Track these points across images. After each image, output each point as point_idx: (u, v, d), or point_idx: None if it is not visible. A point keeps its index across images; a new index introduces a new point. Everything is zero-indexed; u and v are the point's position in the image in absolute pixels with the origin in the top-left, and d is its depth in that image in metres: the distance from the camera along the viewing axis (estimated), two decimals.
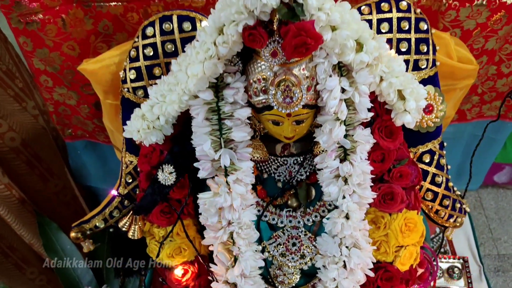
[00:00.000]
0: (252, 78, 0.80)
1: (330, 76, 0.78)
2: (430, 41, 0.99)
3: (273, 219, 0.96)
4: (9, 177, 1.61)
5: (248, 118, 0.85)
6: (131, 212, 0.97)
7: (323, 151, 0.87)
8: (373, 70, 0.79)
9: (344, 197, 0.85)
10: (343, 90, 0.80)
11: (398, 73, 0.81)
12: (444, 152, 1.07)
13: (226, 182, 0.85)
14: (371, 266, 0.89)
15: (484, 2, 1.18)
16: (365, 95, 0.80)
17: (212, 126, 0.84)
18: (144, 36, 0.96)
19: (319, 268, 0.92)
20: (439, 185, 1.05)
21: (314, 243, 0.94)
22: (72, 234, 1.16)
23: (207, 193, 0.88)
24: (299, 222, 0.95)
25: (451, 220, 1.11)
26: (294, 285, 0.97)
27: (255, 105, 0.83)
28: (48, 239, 1.61)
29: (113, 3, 1.17)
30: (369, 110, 0.83)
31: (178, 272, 0.97)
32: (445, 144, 1.07)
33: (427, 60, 0.98)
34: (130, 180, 1.08)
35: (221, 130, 0.84)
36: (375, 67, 0.79)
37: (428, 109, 1.00)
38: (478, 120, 1.59)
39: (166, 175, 0.91)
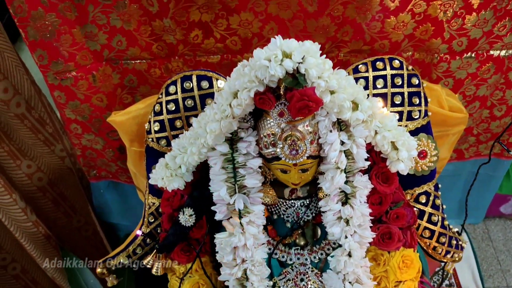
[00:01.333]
0: (263, 133, 0.92)
1: (331, 131, 0.89)
2: (422, 94, 1.11)
3: (283, 257, 1.06)
4: (36, 215, 1.73)
5: (259, 167, 0.96)
6: (155, 250, 1.08)
7: (326, 195, 0.97)
8: (368, 125, 0.91)
9: (346, 237, 0.95)
10: (342, 143, 0.91)
11: (390, 127, 0.92)
12: (439, 193, 1.17)
13: (240, 223, 0.96)
14: None
15: (473, 55, 1.30)
16: (362, 147, 0.92)
17: (228, 174, 0.95)
18: (167, 94, 1.09)
19: None
20: (435, 224, 1.15)
21: (320, 278, 1.04)
22: (98, 270, 1.26)
23: (223, 233, 0.99)
24: (306, 259, 1.05)
25: (448, 256, 1.19)
26: None
27: (265, 156, 0.94)
28: (72, 274, 1.72)
29: (138, 61, 1.31)
30: (366, 159, 0.94)
31: None
32: (439, 185, 1.17)
33: (420, 111, 1.09)
34: (152, 220, 1.19)
35: (235, 177, 0.95)
36: (369, 122, 0.90)
37: (422, 155, 1.10)
38: (476, 158, 1.68)
39: (187, 217, 1.02)
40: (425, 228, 1.14)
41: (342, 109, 0.86)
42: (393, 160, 0.96)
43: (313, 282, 1.05)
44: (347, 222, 0.95)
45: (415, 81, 1.10)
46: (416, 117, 1.09)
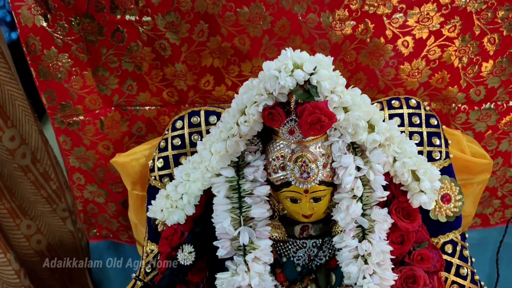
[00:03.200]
0: (271, 156, 0.85)
1: (345, 153, 0.82)
2: (442, 135, 1.05)
3: None
4: (30, 279, 1.62)
5: (267, 197, 0.89)
6: None
7: (341, 231, 0.88)
8: (386, 150, 0.84)
9: (364, 277, 0.84)
10: (358, 169, 0.84)
11: (410, 153, 0.85)
12: (467, 244, 1.06)
13: (245, 261, 0.86)
14: None
15: (492, 106, 1.25)
16: (379, 173, 0.84)
17: (232, 204, 0.87)
18: (174, 129, 1.05)
19: None
20: (464, 278, 1.02)
21: None
22: None
23: (225, 273, 0.88)
24: None
25: None
26: None
27: (274, 183, 0.87)
28: None
29: (148, 107, 1.29)
30: (385, 189, 0.86)
31: None
32: (467, 235, 1.06)
33: (440, 152, 1.03)
34: (149, 270, 1.09)
35: (241, 208, 0.87)
36: (387, 147, 0.84)
37: (446, 198, 1.02)
38: (502, 225, 1.56)
39: (186, 255, 0.92)
40: (453, 282, 1.02)
41: (357, 129, 0.80)
42: (414, 192, 0.87)
43: None
44: (365, 261, 0.85)
45: (433, 121, 1.05)
46: (437, 158, 1.02)
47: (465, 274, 1.02)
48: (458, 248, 1.03)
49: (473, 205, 1.23)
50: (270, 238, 0.89)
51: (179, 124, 1.05)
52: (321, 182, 0.84)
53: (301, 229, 0.94)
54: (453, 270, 1.02)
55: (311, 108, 0.76)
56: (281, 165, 0.84)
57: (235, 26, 1.14)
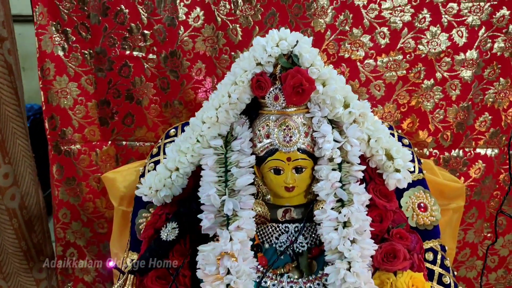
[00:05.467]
0: (258, 127, 0.93)
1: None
2: (415, 155, 1.14)
3: (273, 285, 0.91)
4: None
5: (252, 182, 0.93)
6: (126, 274, 0.94)
7: (322, 207, 0.91)
8: (361, 126, 0.92)
9: (345, 245, 0.85)
10: (336, 142, 0.91)
11: (382, 131, 0.94)
12: (448, 259, 1.07)
13: (227, 229, 0.87)
14: None
15: (460, 153, 1.37)
16: (356, 146, 0.91)
17: (219, 178, 0.92)
18: (167, 136, 1.13)
19: None
20: (448, 286, 1.01)
21: None
22: None
23: (208, 245, 0.88)
24: (300, 287, 0.90)
25: None
26: None
27: (259, 154, 0.93)
28: None
29: (143, 143, 1.38)
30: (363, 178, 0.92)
31: None
32: (446, 248, 1.07)
33: (414, 167, 1.10)
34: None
35: (226, 181, 0.91)
36: (362, 123, 0.93)
37: (422, 207, 1.06)
38: None
39: (169, 230, 0.93)
40: None
41: (334, 102, 0.90)
42: (389, 171, 0.93)
43: None
44: (344, 225, 0.87)
45: (406, 141, 1.15)
46: (411, 170, 1.09)
47: (448, 283, 1.01)
48: (439, 256, 1.03)
49: (453, 239, 1.25)
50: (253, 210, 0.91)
51: (172, 132, 1.13)
52: (303, 151, 0.91)
53: (283, 212, 0.97)
54: (435, 277, 1.01)
55: (294, 71, 0.87)
56: (266, 133, 0.91)
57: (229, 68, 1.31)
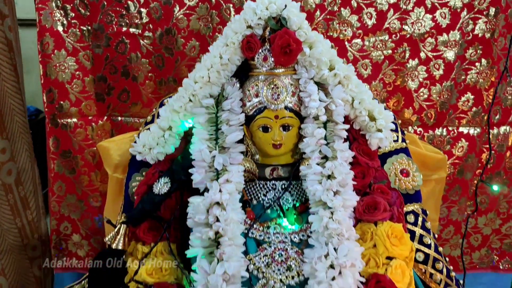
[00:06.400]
0: (247, 87, 0.98)
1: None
2: (399, 126, 1.19)
3: (260, 236, 0.95)
4: None
5: (241, 141, 0.98)
6: (119, 225, 0.97)
7: (308, 164, 0.96)
8: (345, 87, 0.97)
9: (328, 196, 0.90)
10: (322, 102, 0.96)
11: (365, 93, 0.99)
12: (429, 222, 1.11)
13: (217, 181, 0.92)
14: (360, 266, 0.85)
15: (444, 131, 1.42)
16: (340, 105, 0.96)
17: (210, 136, 0.96)
18: (161, 105, 1.17)
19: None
20: (428, 246, 1.05)
21: (300, 257, 0.91)
22: None
23: (198, 196, 0.93)
24: (286, 237, 0.94)
25: None
26: None
27: (248, 113, 0.97)
28: None
29: (137, 118, 1.42)
30: (346, 137, 0.97)
31: None
32: (428, 212, 1.12)
33: (398, 136, 1.15)
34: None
35: (217, 139, 0.96)
36: (346, 85, 0.98)
37: (404, 173, 1.11)
38: (472, 272, 1.57)
39: (161, 185, 0.97)
40: (418, 250, 1.04)
41: (320, 64, 0.95)
42: (371, 131, 0.98)
43: (292, 259, 0.91)
44: (328, 177, 0.91)
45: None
46: (395, 139, 1.14)
47: (428, 243, 1.06)
48: (420, 219, 1.08)
49: (435, 210, 1.30)
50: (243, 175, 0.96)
51: (166, 100, 1.17)
52: (290, 110, 0.96)
53: (271, 170, 1.01)
54: (416, 238, 1.06)
55: (282, 33, 0.92)
56: (255, 93, 0.96)
57: None
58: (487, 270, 1.59)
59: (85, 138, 1.41)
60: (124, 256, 0.96)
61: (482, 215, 1.52)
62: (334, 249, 0.86)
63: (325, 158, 0.95)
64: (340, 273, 0.84)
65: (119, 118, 1.42)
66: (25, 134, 1.53)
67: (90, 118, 1.40)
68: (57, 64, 1.34)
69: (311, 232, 0.93)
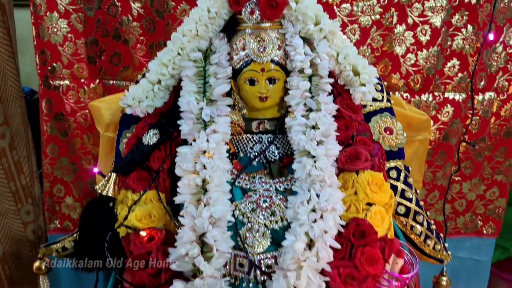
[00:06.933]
0: (235, 42, 1.00)
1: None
2: (384, 87, 1.21)
3: (246, 185, 0.98)
4: None
5: (229, 95, 1.01)
6: (110, 174, 1.00)
7: (293, 117, 0.98)
8: (330, 42, 1.00)
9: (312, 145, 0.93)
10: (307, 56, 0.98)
11: (350, 49, 1.01)
12: (412, 179, 1.14)
13: (204, 131, 0.95)
14: (341, 210, 0.88)
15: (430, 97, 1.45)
16: (325, 59, 0.99)
17: (198, 88, 0.99)
18: None
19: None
20: (410, 200, 1.08)
21: (285, 203, 0.94)
22: (36, 264, 1.12)
23: (186, 146, 0.96)
24: (271, 186, 0.97)
25: (429, 242, 1.08)
26: (264, 250, 0.91)
27: (235, 66, 1.00)
28: None
29: (129, 82, 1.44)
30: (331, 92, 0.99)
31: (143, 233, 0.92)
32: (410, 168, 1.15)
33: (383, 96, 1.18)
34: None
35: (205, 92, 0.98)
36: (331, 40, 1.00)
37: (388, 130, 1.14)
38: (456, 237, 1.62)
39: (150, 136, 1.00)
40: (399, 204, 1.08)
41: (306, 18, 0.98)
42: (355, 85, 1.01)
43: (277, 205, 0.94)
44: (312, 128, 0.94)
45: (376, 75, 1.22)
46: (379, 99, 1.17)
47: (410, 197, 1.09)
48: (402, 174, 1.11)
49: (419, 171, 1.33)
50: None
51: None
52: (276, 63, 0.98)
53: (258, 124, 1.04)
54: (398, 192, 1.09)
55: None
56: (242, 46, 0.99)
57: None
58: (471, 235, 1.63)
59: (77, 101, 1.43)
60: (114, 204, 0.99)
61: (467, 180, 1.55)
62: (317, 195, 0.89)
63: (310, 110, 0.97)
64: (321, 216, 0.87)
65: (111, 82, 1.44)
66: (19, 98, 1.54)
67: (82, 81, 1.42)
68: (50, 26, 1.36)
69: (295, 181, 0.96)
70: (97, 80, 1.44)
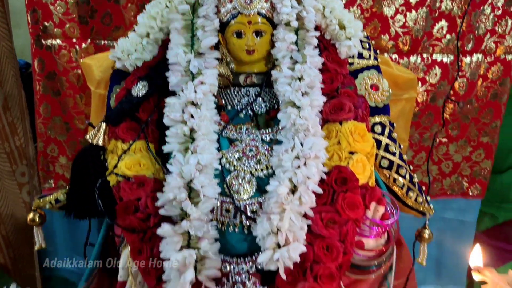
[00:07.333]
0: None
1: None
2: (372, 46, 1.23)
3: (233, 135, 1.01)
4: None
5: (217, 49, 1.02)
6: (99, 124, 1.03)
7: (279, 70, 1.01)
8: None
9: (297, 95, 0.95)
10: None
11: (336, 3, 1.03)
12: (396, 134, 1.17)
13: (192, 82, 0.97)
14: (324, 158, 0.91)
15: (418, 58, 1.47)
16: (311, 12, 1.00)
17: (186, 41, 1.00)
18: None
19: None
20: (393, 154, 1.11)
21: (270, 153, 0.97)
22: (30, 215, 1.15)
23: (174, 97, 0.98)
24: (257, 136, 1.00)
25: (411, 194, 1.12)
26: (249, 196, 0.94)
27: (223, 19, 1.01)
28: None
29: None
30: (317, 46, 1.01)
31: (133, 180, 0.95)
32: (395, 124, 1.17)
33: (370, 54, 1.20)
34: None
35: (192, 45, 1.00)
36: None
37: (374, 87, 1.16)
38: (442, 198, 1.65)
39: (139, 87, 1.02)
40: (383, 158, 1.11)
41: None
42: (341, 39, 1.03)
43: (262, 153, 0.97)
44: (298, 80, 0.96)
45: (364, 33, 1.23)
46: (366, 57, 1.18)
47: (393, 151, 1.12)
48: (387, 129, 1.14)
49: (405, 130, 1.36)
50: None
51: None
52: (263, 16, 1.00)
53: (245, 77, 1.06)
54: (382, 146, 1.12)
55: None
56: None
57: None
58: (457, 196, 1.67)
59: (69, 60, 1.44)
60: (104, 154, 1.01)
61: (453, 142, 1.58)
62: (300, 143, 0.92)
63: (296, 63, 0.99)
64: (305, 164, 0.90)
65: (102, 42, 1.45)
66: (12, 59, 1.56)
67: (74, 40, 1.43)
68: None
69: (280, 132, 0.99)
70: (89, 40, 1.45)
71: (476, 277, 0.78)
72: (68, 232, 1.69)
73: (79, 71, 1.45)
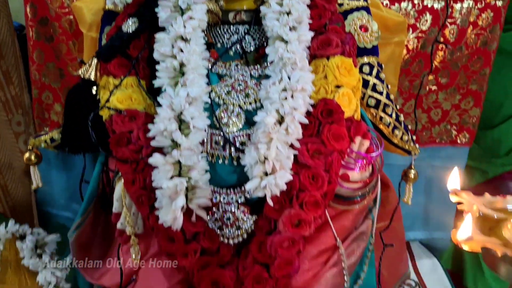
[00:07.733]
0: None
1: None
2: None
3: (222, 71, 1.03)
4: None
5: None
6: (90, 60, 1.05)
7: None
8: None
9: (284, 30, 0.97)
10: None
11: None
12: (384, 75, 1.19)
13: (181, 17, 0.98)
14: (310, 90, 0.94)
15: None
16: None
17: None
18: None
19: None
20: (380, 93, 1.14)
21: (259, 87, 0.99)
22: (26, 155, 1.18)
23: (163, 32, 0.99)
24: (246, 71, 1.02)
25: (397, 132, 1.15)
26: (238, 129, 0.97)
27: None
28: None
29: None
30: None
31: (125, 113, 0.98)
32: (383, 66, 1.19)
33: None
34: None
35: None
36: None
37: (363, 28, 1.17)
38: (430, 146, 1.69)
39: (129, 24, 1.03)
40: (370, 97, 1.13)
41: None
42: None
43: (251, 88, 1.00)
44: (286, 14, 0.98)
45: None
46: None
47: (381, 91, 1.14)
48: (375, 70, 1.15)
49: (395, 74, 1.38)
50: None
51: None
52: None
53: (234, 15, 1.07)
54: (370, 86, 1.14)
55: None
56: None
57: None
58: (445, 144, 1.70)
59: (61, 6, 1.44)
60: (97, 89, 1.03)
61: (443, 89, 1.60)
62: (288, 76, 0.94)
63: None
64: (292, 96, 0.93)
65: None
66: (4, 7, 1.55)
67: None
68: None
69: (268, 67, 1.01)
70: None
71: (453, 198, 0.82)
72: (63, 168, 1.72)
73: (71, 17, 1.45)
